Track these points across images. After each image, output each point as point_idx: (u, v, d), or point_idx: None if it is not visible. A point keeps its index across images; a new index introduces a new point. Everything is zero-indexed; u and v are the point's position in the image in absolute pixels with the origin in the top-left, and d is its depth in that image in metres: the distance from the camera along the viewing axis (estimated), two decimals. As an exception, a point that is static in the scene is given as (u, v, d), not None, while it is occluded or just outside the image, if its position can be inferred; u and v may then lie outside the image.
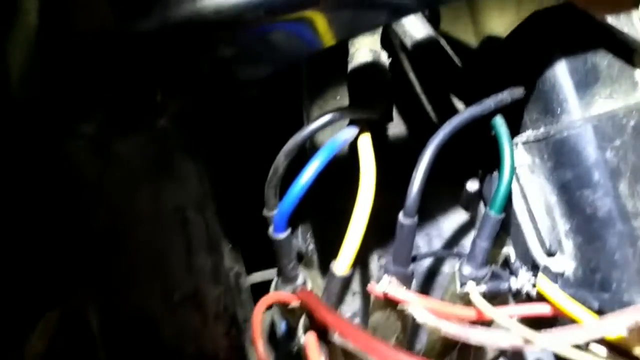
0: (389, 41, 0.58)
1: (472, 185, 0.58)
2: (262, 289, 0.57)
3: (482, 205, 0.60)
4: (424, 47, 0.54)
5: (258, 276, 0.65)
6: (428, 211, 0.45)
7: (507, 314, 0.45)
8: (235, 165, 0.52)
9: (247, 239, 0.53)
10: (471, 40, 0.67)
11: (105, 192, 0.38)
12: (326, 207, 0.55)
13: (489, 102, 0.47)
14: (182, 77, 0.37)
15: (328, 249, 0.52)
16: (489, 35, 0.65)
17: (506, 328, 0.42)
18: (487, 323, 0.47)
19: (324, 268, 0.52)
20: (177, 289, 0.39)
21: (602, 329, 0.40)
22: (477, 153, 0.58)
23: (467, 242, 0.61)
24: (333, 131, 0.47)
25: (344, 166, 0.48)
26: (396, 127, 0.61)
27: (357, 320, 0.67)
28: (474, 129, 0.48)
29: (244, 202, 0.52)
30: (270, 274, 0.64)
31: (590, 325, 0.41)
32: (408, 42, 0.54)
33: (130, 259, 0.39)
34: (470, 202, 0.60)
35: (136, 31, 0.35)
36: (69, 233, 0.38)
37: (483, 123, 0.49)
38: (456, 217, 0.61)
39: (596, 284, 0.46)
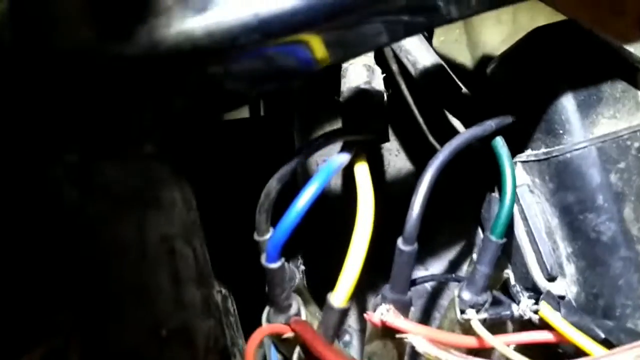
0: (382, 56, 0.56)
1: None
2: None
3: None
4: (421, 63, 0.52)
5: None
6: (423, 233, 0.43)
7: (510, 342, 0.43)
8: (223, 189, 0.50)
9: (234, 260, 0.50)
10: (465, 52, 0.65)
11: (88, 222, 0.35)
12: (318, 231, 0.53)
13: (490, 123, 0.46)
14: (169, 103, 0.35)
15: (321, 273, 0.50)
16: (487, 53, 0.64)
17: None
18: (486, 350, 0.46)
19: (316, 294, 0.50)
20: (164, 324, 0.37)
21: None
22: (474, 175, 0.56)
23: (464, 267, 0.59)
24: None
25: (335, 188, 0.46)
26: (390, 145, 0.59)
27: (347, 337, 0.65)
28: (471, 150, 0.46)
29: (232, 225, 0.50)
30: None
31: (599, 358, 0.40)
32: (403, 57, 0.52)
33: (115, 292, 0.36)
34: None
35: (120, 55, 0.33)
36: (50, 265, 0.36)
37: (482, 144, 0.47)
38: (452, 240, 0.59)
39: (599, 310, 0.45)
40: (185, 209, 0.39)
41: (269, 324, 0.43)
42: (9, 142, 0.35)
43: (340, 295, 0.40)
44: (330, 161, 0.42)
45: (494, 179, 0.52)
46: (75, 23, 0.33)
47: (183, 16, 0.31)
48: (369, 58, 0.51)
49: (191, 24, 0.31)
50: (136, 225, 0.37)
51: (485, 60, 0.62)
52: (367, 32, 0.35)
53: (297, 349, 0.44)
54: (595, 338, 0.41)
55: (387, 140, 0.47)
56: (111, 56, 0.32)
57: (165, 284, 0.37)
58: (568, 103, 0.45)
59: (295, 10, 0.31)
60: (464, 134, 0.45)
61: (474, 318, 0.44)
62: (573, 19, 0.45)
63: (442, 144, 0.45)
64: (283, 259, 0.42)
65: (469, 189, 0.56)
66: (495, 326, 0.46)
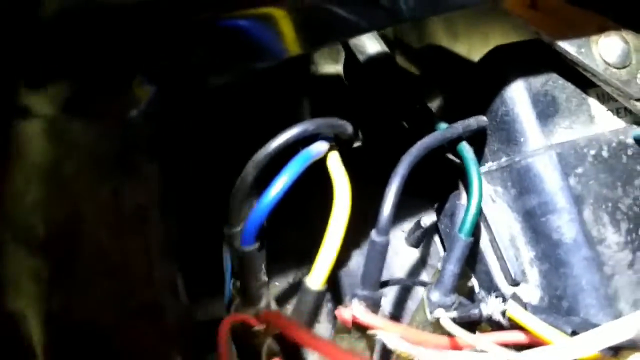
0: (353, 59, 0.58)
1: (426, 220, 0.58)
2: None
3: (437, 242, 0.59)
4: (368, 50, 0.55)
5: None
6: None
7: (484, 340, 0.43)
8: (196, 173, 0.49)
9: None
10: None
11: (62, 181, 0.34)
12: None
13: (458, 126, 0.48)
14: (164, 64, 0.35)
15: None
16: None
17: (485, 350, 0.40)
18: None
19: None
20: (134, 297, 0.35)
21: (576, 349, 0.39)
22: (429, 187, 0.57)
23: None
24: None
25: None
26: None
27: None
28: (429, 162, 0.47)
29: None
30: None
31: (564, 345, 0.40)
32: (352, 46, 0.55)
33: (86, 256, 0.34)
34: (422, 238, 0.59)
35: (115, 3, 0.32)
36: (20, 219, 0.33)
37: (449, 146, 0.49)
38: (405, 254, 0.59)
39: (563, 312, 0.46)
40: (162, 183, 0.38)
41: (238, 314, 0.41)
42: None
43: (317, 277, 0.39)
44: (307, 150, 0.42)
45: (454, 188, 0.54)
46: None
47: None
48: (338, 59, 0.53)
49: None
50: (112, 189, 0.35)
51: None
52: (338, 15, 0.37)
53: (266, 345, 0.42)
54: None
55: (358, 138, 0.48)
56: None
57: (138, 255, 0.35)
58: (527, 113, 0.48)
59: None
60: (435, 133, 0.46)
61: (444, 316, 0.44)
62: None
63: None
64: (258, 244, 0.41)
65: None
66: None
